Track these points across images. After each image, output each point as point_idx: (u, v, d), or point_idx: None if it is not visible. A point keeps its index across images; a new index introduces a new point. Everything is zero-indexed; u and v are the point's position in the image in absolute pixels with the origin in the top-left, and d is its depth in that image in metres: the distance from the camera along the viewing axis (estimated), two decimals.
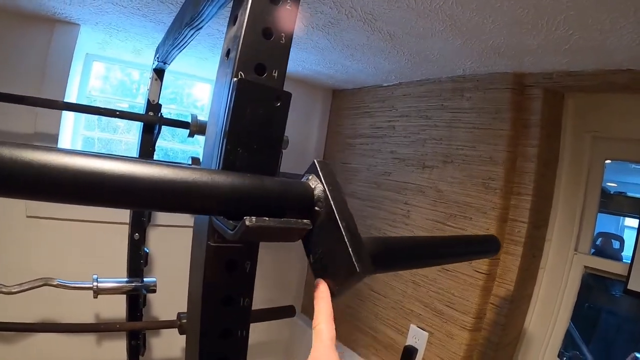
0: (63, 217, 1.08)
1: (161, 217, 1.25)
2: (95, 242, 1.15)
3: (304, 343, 1.46)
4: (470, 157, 0.98)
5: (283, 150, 1.06)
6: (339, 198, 0.35)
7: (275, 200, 0.34)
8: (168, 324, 1.01)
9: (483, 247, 0.61)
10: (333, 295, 0.33)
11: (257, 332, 1.49)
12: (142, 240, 1.06)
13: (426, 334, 1.02)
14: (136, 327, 1.01)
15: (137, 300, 1.01)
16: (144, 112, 1.02)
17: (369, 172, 1.32)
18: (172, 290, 1.28)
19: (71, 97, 1.18)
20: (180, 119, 1.06)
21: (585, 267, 0.97)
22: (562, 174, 1.00)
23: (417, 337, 1.05)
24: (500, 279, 0.93)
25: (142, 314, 1.05)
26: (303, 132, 1.50)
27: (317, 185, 0.37)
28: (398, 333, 1.11)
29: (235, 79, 0.39)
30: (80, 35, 1.05)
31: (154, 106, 1.02)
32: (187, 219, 1.21)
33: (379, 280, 1.20)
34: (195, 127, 1.02)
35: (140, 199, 0.30)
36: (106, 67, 1.41)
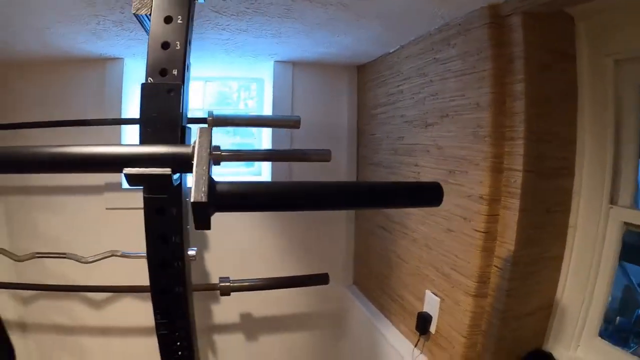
0: (130, 206, 1.48)
1: None
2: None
3: (354, 314, 1.64)
4: (461, 106, 1.01)
5: (298, 129, 1.25)
6: (201, 155, 0.54)
7: (162, 160, 0.55)
8: (211, 287, 1.31)
9: (409, 196, 0.66)
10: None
11: (311, 303, 1.74)
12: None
13: (438, 299, 1.09)
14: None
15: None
16: None
17: (388, 140, 1.42)
18: (210, 259, 1.61)
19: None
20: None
21: (626, 223, 0.90)
22: (584, 112, 0.94)
23: (431, 303, 1.12)
24: (501, 237, 0.94)
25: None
26: (334, 110, 1.67)
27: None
28: (417, 299, 1.20)
29: (142, 82, 0.61)
30: (125, 65, 1.43)
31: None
32: None
33: (401, 245, 1.30)
34: (212, 122, 1.26)
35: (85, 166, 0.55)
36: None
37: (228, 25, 1.06)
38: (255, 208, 0.57)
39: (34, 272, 1.42)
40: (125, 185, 1.49)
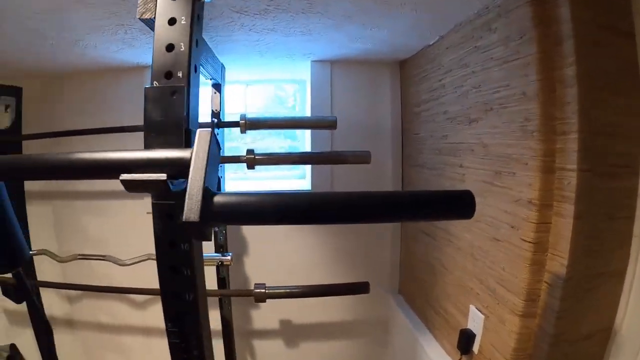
0: None
1: None
2: None
3: (397, 325, 1.57)
4: (505, 97, 0.92)
5: (335, 129, 1.23)
6: (198, 160, 0.53)
7: (158, 165, 0.55)
8: (246, 293, 1.32)
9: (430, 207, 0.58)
10: None
11: (354, 311, 1.71)
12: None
13: (482, 317, 1.00)
14: (217, 294, 1.36)
15: (219, 271, 1.37)
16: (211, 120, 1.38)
17: (432, 139, 1.34)
18: (249, 264, 1.63)
19: None
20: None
21: None
22: None
23: (475, 320, 1.03)
24: (553, 249, 0.82)
25: (228, 284, 1.39)
26: (376, 110, 1.61)
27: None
28: (461, 314, 1.11)
29: (146, 87, 0.62)
30: None
31: (216, 114, 1.37)
32: None
33: (445, 253, 1.21)
34: (244, 125, 1.29)
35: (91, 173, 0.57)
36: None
37: (254, 25, 1.06)
38: (254, 222, 0.55)
39: (79, 272, 1.53)
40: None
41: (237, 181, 1.80)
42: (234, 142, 1.86)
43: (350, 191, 0.52)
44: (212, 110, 1.37)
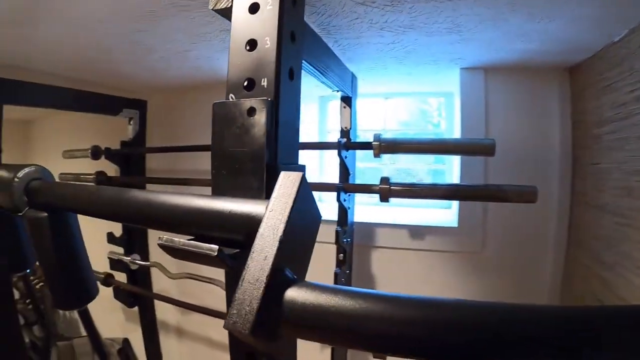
0: None
1: (380, 238, 1.35)
2: (312, 259, 1.45)
3: None
4: None
5: (492, 156, 0.95)
6: (270, 227, 0.32)
7: (216, 226, 0.36)
8: None
9: None
10: None
11: None
12: (345, 261, 1.19)
13: None
14: None
15: None
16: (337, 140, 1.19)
17: (619, 173, 0.92)
18: None
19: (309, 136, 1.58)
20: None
21: None
22: None
23: None
24: None
25: None
26: (540, 130, 1.21)
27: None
28: None
29: (214, 102, 0.45)
30: None
31: (345, 132, 1.18)
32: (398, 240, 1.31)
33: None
34: (378, 147, 1.07)
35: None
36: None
37: (386, 21, 0.83)
38: (345, 344, 0.31)
39: (191, 286, 1.53)
40: None
41: (369, 206, 1.57)
42: (371, 162, 1.64)
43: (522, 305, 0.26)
44: (340, 128, 1.19)
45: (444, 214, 1.44)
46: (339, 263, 1.14)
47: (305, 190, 0.35)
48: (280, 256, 0.31)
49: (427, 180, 1.64)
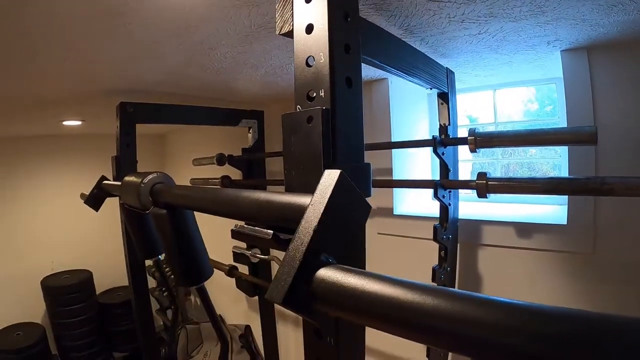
0: (400, 234, 1.47)
1: (486, 235, 1.31)
2: (412, 255, 1.43)
3: None
4: None
5: (596, 144, 0.90)
6: (311, 216, 0.39)
7: (273, 217, 0.45)
8: None
9: None
10: None
11: None
12: (446, 259, 1.18)
13: None
14: None
15: None
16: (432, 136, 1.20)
17: None
18: None
19: (418, 134, 1.60)
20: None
21: None
22: None
23: None
24: None
25: None
26: None
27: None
28: None
29: (283, 114, 0.54)
30: (390, 85, 1.45)
31: (443, 128, 1.19)
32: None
33: None
34: (474, 142, 1.04)
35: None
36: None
37: (462, 13, 0.82)
38: (368, 321, 0.35)
39: None
40: (397, 211, 1.50)
41: (480, 202, 1.50)
42: (485, 158, 1.62)
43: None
44: (439, 124, 1.20)
45: (553, 210, 1.33)
46: (440, 260, 1.15)
47: (345, 185, 0.41)
48: (315, 241, 0.38)
49: (552, 174, 1.50)
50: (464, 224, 1.27)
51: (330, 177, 0.42)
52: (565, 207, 1.16)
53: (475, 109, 1.65)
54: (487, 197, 0.99)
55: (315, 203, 0.40)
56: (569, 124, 1.14)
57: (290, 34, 0.55)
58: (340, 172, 0.41)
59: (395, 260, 1.47)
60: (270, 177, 1.82)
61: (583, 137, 0.89)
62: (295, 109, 0.54)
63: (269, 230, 0.43)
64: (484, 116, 1.62)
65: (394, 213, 1.47)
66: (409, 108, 1.57)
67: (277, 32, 0.56)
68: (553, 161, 1.50)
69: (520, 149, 1.58)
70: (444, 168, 1.14)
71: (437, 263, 1.15)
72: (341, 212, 0.41)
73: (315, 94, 0.52)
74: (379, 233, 1.53)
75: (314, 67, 0.52)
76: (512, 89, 1.52)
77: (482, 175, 0.98)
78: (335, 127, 0.51)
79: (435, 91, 1.14)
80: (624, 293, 1.07)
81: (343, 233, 0.43)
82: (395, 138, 1.47)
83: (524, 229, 1.20)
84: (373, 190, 1.60)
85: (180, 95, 1.54)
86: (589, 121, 1.09)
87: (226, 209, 0.54)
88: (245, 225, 0.46)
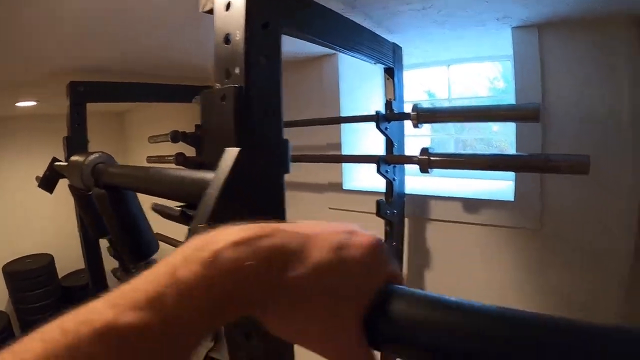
0: (350, 208, 1.52)
1: (434, 210, 1.35)
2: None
3: None
4: None
5: (538, 122, 0.97)
6: (210, 194, 0.43)
7: (184, 194, 0.49)
8: None
9: None
10: None
11: None
12: (392, 234, 1.23)
13: None
14: None
15: None
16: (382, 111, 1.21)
17: None
18: (417, 287, 1.40)
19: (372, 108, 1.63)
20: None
21: None
22: None
23: None
24: None
25: None
26: (603, 91, 1.09)
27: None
28: None
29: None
30: (340, 60, 1.47)
31: (388, 104, 1.22)
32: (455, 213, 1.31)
33: None
34: (416, 118, 1.09)
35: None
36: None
37: None
38: None
39: None
40: (346, 186, 1.55)
41: (429, 177, 1.55)
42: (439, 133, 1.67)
43: None
44: (385, 99, 1.23)
45: (500, 186, 1.39)
46: (386, 235, 1.20)
47: (245, 163, 0.45)
48: (219, 207, 0.41)
49: (508, 151, 1.57)
50: (412, 199, 1.32)
51: (230, 155, 0.45)
52: (513, 184, 1.21)
53: (439, 85, 1.68)
54: (429, 172, 1.03)
55: (215, 181, 0.44)
56: (517, 101, 1.18)
57: (212, 12, 0.57)
58: (239, 151, 0.45)
59: None
60: None
61: (526, 114, 0.93)
62: (215, 87, 0.57)
63: (177, 208, 0.46)
64: (443, 92, 1.65)
65: (343, 188, 1.52)
66: (362, 84, 1.60)
67: (200, 10, 0.58)
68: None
69: (482, 125, 1.64)
70: (389, 143, 1.18)
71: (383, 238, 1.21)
72: (242, 190, 0.45)
73: (231, 73, 0.54)
74: (330, 208, 1.58)
75: (231, 45, 0.54)
76: (474, 65, 1.56)
77: (424, 150, 1.02)
78: (250, 105, 0.53)
79: (381, 66, 1.17)
80: (570, 268, 1.14)
81: (246, 211, 0.46)
82: (345, 113, 1.50)
83: (472, 205, 1.25)
84: (322, 165, 1.65)
85: (137, 74, 1.52)
86: (537, 98, 1.14)
87: (152, 187, 0.57)
88: (161, 205, 0.49)
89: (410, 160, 1.05)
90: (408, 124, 1.14)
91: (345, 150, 1.52)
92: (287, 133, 1.64)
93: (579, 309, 1.14)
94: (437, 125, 1.63)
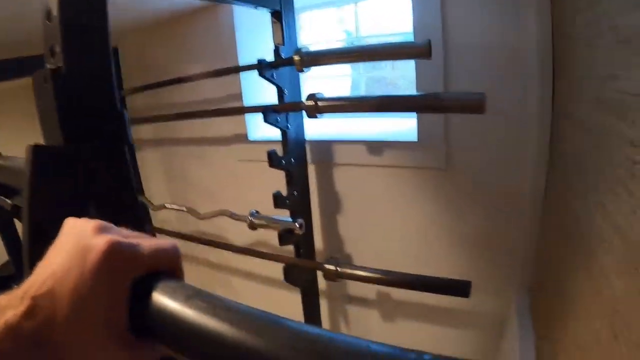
0: (259, 159, 1.41)
1: (338, 155, 1.36)
2: (266, 180, 1.34)
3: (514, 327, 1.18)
4: None
5: (430, 59, 0.90)
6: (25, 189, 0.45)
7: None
8: (313, 265, 1.22)
9: None
10: None
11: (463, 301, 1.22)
12: (291, 183, 1.26)
13: None
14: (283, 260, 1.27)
15: (284, 237, 1.25)
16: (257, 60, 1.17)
17: (591, 79, 0.79)
18: (330, 233, 1.46)
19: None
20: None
21: None
22: None
23: None
24: None
25: (301, 251, 1.30)
26: (514, 30, 1.05)
27: None
28: None
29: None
30: (236, 9, 1.42)
31: (277, 50, 1.16)
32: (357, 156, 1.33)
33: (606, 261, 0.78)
34: (300, 62, 1.06)
35: None
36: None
37: None
38: None
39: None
40: (251, 136, 1.56)
41: (338, 120, 1.55)
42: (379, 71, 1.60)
43: None
44: (275, 46, 1.17)
45: (408, 124, 1.34)
46: (287, 185, 1.22)
47: (44, 157, 0.48)
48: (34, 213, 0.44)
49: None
50: (316, 145, 1.34)
51: (28, 154, 0.47)
52: (416, 131, 1.21)
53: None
54: (317, 117, 1.04)
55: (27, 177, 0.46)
56: (415, 38, 1.14)
57: None
58: (33, 147, 0.47)
59: (254, 187, 1.56)
60: (135, 115, 1.75)
61: (417, 51, 0.90)
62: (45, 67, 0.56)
63: (8, 200, 0.49)
64: (366, 29, 1.57)
65: (249, 139, 1.54)
66: (264, 30, 1.56)
67: None
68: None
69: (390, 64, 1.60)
70: (279, 91, 1.18)
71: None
72: (51, 184, 0.48)
73: (55, 51, 0.54)
74: (239, 160, 1.61)
75: (52, 21, 0.53)
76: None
77: (311, 96, 1.02)
78: (73, 86, 0.53)
79: (265, 10, 1.12)
80: (478, 207, 1.17)
81: (83, 193, 0.50)
82: (245, 63, 1.46)
83: (377, 147, 1.27)
84: (226, 118, 1.61)
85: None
86: (438, 34, 1.09)
87: None
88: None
89: (298, 106, 1.05)
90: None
91: (248, 101, 1.51)
92: (185, 87, 1.62)
93: (486, 247, 1.19)
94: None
